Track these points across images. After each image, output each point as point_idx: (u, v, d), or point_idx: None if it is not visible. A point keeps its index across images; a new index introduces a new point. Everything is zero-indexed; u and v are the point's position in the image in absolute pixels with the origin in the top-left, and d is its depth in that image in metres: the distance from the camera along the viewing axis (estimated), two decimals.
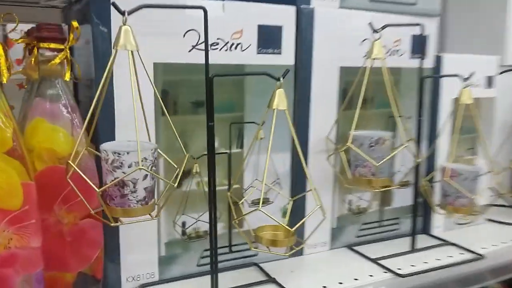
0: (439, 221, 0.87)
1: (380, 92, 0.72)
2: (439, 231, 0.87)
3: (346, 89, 0.74)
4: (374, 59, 0.66)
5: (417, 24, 0.71)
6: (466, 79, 0.75)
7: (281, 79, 0.58)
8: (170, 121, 0.54)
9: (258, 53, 0.67)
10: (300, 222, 0.61)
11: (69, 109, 0.56)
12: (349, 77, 0.73)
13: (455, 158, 0.83)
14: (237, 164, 0.68)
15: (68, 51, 0.56)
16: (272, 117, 0.58)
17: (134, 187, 0.50)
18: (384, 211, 0.83)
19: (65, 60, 0.55)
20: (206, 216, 0.66)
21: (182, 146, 0.55)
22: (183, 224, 0.66)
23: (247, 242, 0.63)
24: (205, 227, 0.67)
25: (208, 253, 0.68)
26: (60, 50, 0.54)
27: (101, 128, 0.58)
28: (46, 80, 0.55)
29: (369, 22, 0.65)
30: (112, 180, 0.49)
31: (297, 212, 0.72)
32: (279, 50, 0.68)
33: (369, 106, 0.77)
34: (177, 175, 0.52)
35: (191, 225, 0.66)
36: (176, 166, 0.54)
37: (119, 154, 0.49)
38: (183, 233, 0.66)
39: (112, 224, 0.50)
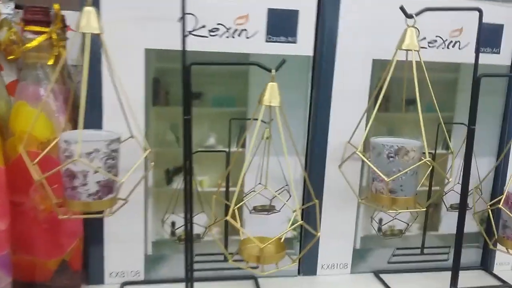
0: (505, 257, 0.69)
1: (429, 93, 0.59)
2: (504, 269, 0.69)
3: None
4: (405, 50, 0.54)
5: (473, 8, 0.56)
6: None
7: (273, 71, 0.50)
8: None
9: (268, 41, 0.59)
10: (284, 232, 0.52)
11: (52, 94, 0.54)
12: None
13: None
14: (237, 164, 0.61)
15: (56, 35, 0.54)
16: (279, 115, 0.50)
17: (84, 179, 0.46)
18: (428, 237, 0.68)
19: (50, 44, 0.54)
20: (198, 218, 0.61)
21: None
22: (173, 224, 0.61)
23: (225, 253, 0.56)
24: (199, 229, 0.62)
25: (201, 257, 0.62)
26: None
27: (88, 116, 0.56)
28: (29, 63, 0.54)
29: (401, 5, 0.53)
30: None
31: (309, 223, 0.62)
32: (294, 38, 0.59)
33: (414, 108, 0.64)
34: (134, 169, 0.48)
35: (181, 226, 0.61)
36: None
37: (69, 143, 0.46)
38: (172, 233, 0.61)
39: (59, 216, 0.47)
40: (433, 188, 0.67)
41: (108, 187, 0.48)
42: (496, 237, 0.61)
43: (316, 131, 0.62)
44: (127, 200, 0.52)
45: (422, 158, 0.54)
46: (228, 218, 0.49)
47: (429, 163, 0.52)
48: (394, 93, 0.63)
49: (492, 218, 0.62)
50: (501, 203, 0.58)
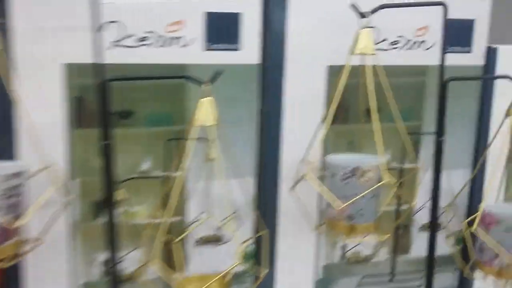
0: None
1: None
2: None
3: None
4: (360, 54, 0.47)
5: (437, 3, 0.49)
6: None
7: (204, 85, 0.43)
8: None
9: (207, 49, 0.51)
10: (228, 268, 0.45)
11: None
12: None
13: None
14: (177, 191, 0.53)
15: None
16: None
17: None
18: (399, 261, 0.62)
19: None
20: (133, 255, 0.53)
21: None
22: (107, 262, 0.53)
23: None
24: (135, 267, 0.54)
25: None
26: None
27: None
28: None
29: (352, 3, 0.46)
30: None
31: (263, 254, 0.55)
32: (236, 45, 0.52)
33: (381, 117, 0.57)
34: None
35: (113, 265, 0.53)
36: None
37: None
38: (107, 273, 0.53)
39: None
40: (402, 207, 0.60)
41: (3, 231, 0.40)
42: (472, 261, 0.54)
43: (267, 149, 0.55)
44: (41, 241, 0.44)
45: (388, 175, 0.47)
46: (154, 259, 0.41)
47: (390, 183, 0.45)
48: (355, 102, 0.56)
49: (468, 239, 0.55)
50: (474, 226, 0.51)
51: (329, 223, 0.49)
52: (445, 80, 0.51)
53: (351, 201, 0.44)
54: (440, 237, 0.60)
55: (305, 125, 0.55)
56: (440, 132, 0.51)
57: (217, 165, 0.51)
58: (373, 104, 0.45)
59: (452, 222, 0.62)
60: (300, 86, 0.54)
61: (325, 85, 0.55)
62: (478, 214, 0.53)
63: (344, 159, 0.50)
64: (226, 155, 0.52)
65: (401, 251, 0.62)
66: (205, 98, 0.44)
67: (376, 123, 0.45)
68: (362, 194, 0.44)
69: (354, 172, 0.46)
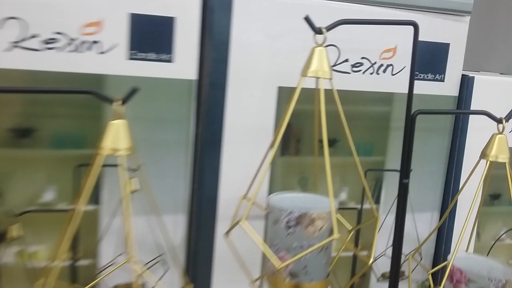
0: None
1: (355, 130, 0.45)
2: None
3: (291, 123, 0.47)
4: (312, 76, 0.38)
5: (407, 23, 0.41)
6: (500, 121, 0.45)
7: (116, 103, 0.34)
8: None
9: (131, 58, 0.42)
10: None
11: None
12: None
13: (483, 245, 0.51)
14: (89, 228, 0.44)
15: None
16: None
17: None
18: None
19: None
20: None
21: None
22: None
23: None
24: None
25: None
26: None
27: None
28: None
29: (306, 16, 0.37)
30: None
31: None
32: (169, 55, 0.43)
33: (334, 150, 0.49)
34: None
35: None
36: None
37: None
38: None
39: None
40: (360, 254, 0.52)
41: None
42: None
43: (203, 182, 0.46)
44: None
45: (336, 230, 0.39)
46: None
47: (337, 239, 0.36)
48: (309, 131, 0.48)
49: None
50: (442, 285, 0.43)
51: (269, 279, 0.40)
52: (412, 114, 0.43)
53: (293, 258, 0.36)
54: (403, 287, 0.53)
55: (249, 155, 0.46)
56: (405, 173, 0.43)
57: (144, 198, 0.42)
58: (324, 135, 0.36)
59: (417, 271, 0.54)
60: (245, 108, 0.46)
61: (274, 109, 0.46)
62: (447, 272, 0.45)
63: (290, 200, 0.41)
64: (154, 186, 0.44)
65: None
66: (115, 120, 0.35)
67: (326, 158, 0.37)
68: (309, 250, 0.36)
69: (300, 220, 0.37)
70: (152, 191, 0.43)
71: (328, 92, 0.38)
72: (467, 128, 0.52)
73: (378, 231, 0.52)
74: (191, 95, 0.44)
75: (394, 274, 0.46)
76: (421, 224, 0.54)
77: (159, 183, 0.44)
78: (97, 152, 0.35)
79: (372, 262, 0.36)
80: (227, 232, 0.41)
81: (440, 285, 0.44)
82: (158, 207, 0.44)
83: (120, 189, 0.40)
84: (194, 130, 0.45)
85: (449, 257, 0.47)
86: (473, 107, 0.52)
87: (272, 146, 0.40)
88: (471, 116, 0.52)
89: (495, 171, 0.46)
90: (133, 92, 0.35)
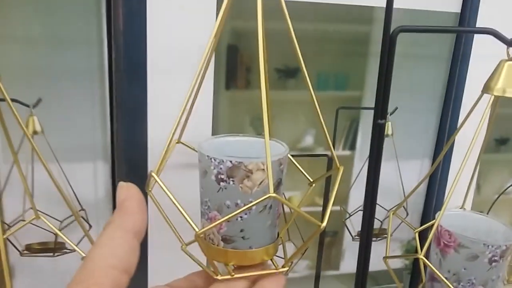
0: None
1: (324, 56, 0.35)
2: None
3: (237, 47, 0.37)
4: None
5: None
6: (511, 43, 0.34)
7: None
8: None
9: None
10: None
11: None
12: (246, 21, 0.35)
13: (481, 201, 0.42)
14: None
15: None
16: None
17: None
18: (325, 278, 0.45)
19: None
20: None
21: None
22: None
23: None
24: None
25: None
26: None
27: None
28: None
29: None
30: None
31: None
32: None
33: (295, 82, 0.39)
34: None
35: None
36: None
37: None
38: None
39: None
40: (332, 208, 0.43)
41: None
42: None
43: (124, 121, 0.37)
44: None
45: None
46: None
47: (275, 198, 0.27)
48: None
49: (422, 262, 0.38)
50: (422, 252, 0.34)
51: (202, 244, 0.31)
52: (392, 32, 0.32)
53: (217, 222, 0.27)
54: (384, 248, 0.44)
55: (183, 85, 0.36)
56: (380, 112, 0.33)
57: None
58: (262, 63, 0.26)
59: (401, 229, 0.46)
60: (175, 23, 0.35)
61: (213, 24, 0.36)
62: (431, 233, 0.36)
63: (229, 146, 0.32)
64: (62, 126, 0.35)
65: (329, 266, 0.45)
66: None
67: (265, 92, 0.27)
68: (246, 206, 0.27)
69: (233, 172, 0.28)
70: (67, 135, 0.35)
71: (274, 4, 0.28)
72: (469, 55, 0.41)
73: (353, 183, 0.43)
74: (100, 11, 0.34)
75: (366, 232, 0.38)
76: (409, 175, 0.44)
77: (67, 123, 0.35)
78: None
79: (325, 226, 0.26)
80: (147, 187, 0.32)
81: (422, 249, 0.35)
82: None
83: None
84: (107, 56, 0.35)
85: (437, 214, 0.38)
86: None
87: (200, 74, 0.31)
88: (475, 40, 0.41)
89: (503, 110, 0.36)
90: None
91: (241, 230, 0.29)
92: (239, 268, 0.29)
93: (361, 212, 0.45)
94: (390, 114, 0.41)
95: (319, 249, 0.44)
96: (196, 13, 0.36)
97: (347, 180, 0.43)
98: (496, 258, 0.35)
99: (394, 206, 0.43)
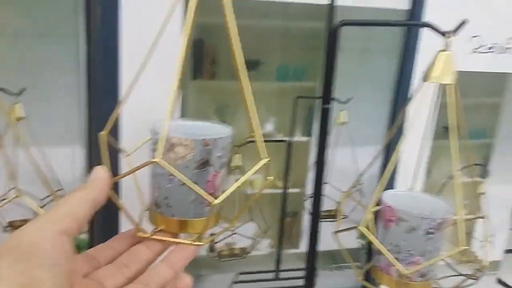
0: None
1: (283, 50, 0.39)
2: None
3: (203, 40, 0.41)
4: None
5: None
6: (449, 34, 0.38)
7: None
8: None
9: None
10: None
11: None
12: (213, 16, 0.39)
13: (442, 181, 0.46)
14: None
15: None
16: None
17: None
18: (287, 256, 0.49)
19: None
20: None
21: None
22: None
23: None
24: None
25: None
26: None
27: None
28: None
29: None
30: None
31: None
32: None
33: (255, 73, 0.43)
34: None
35: None
36: None
37: None
38: None
39: None
40: (291, 191, 0.47)
41: None
42: (367, 266, 0.42)
43: (101, 107, 0.41)
44: None
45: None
46: None
47: (159, 163, 0.30)
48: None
49: (369, 234, 0.42)
50: (362, 223, 0.38)
51: (150, 213, 0.35)
52: (336, 25, 0.36)
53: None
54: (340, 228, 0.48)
55: (157, 74, 0.40)
56: (326, 97, 0.37)
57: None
58: (239, 56, 0.30)
59: (360, 210, 0.49)
60: (146, 15, 0.39)
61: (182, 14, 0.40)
62: (369, 209, 0.40)
63: (181, 127, 0.35)
64: (42, 113, 0.39)
65: (290, 245, 0.49)
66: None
67: (245, 83, 0.30)
68: (130, 171, 0.29)
69: (168, 144, 0.31)
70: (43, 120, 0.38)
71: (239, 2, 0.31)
72: (415, 48, 0.45)
73: (311, 166, 0.47)
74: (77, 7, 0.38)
75: (314, 211, 0.42)
76: (365, 160, 0.48)
77: (49, 110, 0.39)
78: None
79: (217, 204, 0.29)
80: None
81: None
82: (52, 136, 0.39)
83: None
84: (85, 47, 0.39)
85: (383, 193, 0.42)
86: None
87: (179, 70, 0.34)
88: (424, 34, 0.45)
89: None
90: None
91: (165, 198, 0.32)
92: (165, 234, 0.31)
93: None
94: (345, 103, 0.45)
95: (280, 229, 0.48)
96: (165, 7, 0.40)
97: (305, 164, 0.47)
98: (432, 230, 0.39)
99: (347, 190, 0.46)
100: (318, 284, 0.51)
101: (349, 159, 0.48)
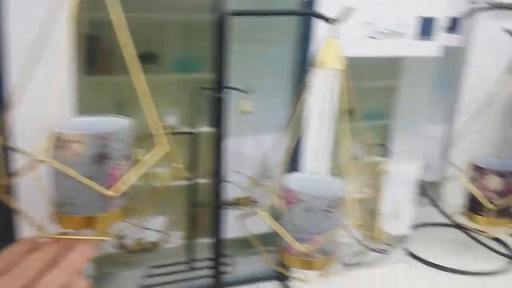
0: None
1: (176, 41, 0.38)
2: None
3: (97, 36, 0.40)
4: None
5: None
6: (333, 21, 0.40)
7: None
8: None
9: None
10: None
11: None
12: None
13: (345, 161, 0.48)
14: None
15: None
16: None
17: None
18: (200, 246, 0.50)
19: None
20: None
21: None
22: None
23: None
24: None
25: None
26: None
27: None
28: None
29: None
30: None
31: None
32: None
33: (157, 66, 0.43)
34: None
35: None
36: None
37: None
38: None
39: None
40: (201, 181, 0.47)
41: None
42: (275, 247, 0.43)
43: None
44: None
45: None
46: None
47: (45, 161, 0.30)
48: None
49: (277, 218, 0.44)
50: (259, 209, 0.40)
51: (52, 213, 0.34)
52: (221, 15, 0.37)
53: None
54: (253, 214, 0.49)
55: (47, 72, 0.39)
56: (219, 85, 0.38)
57: None
58: (129, 50, 0.30)
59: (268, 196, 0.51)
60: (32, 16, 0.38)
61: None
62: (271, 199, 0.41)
63: (83, 123, 0.35)
64: None
65: (204, 234, 0.50)
66: None
67: (137, 75, 0.30)
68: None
69: (58, 142, 0.31)
70: None
71: None
72: (310, 36, 0.47)
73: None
74: None
75: (216, 200, 0.42)
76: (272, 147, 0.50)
77: None
78: None
79: (113, 195, 0.30)
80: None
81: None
82: None
83: None
84: None
85: (286, 178, 0.43)
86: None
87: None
88: (318, 23, 0.47)
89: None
90: None
91: (67, 196, 0.32)
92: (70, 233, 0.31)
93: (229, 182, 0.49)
94: (245, 93, 0.46)
95: (190, 220, 0.49)
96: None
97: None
98: (328, 209, 0.41)
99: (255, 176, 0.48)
100: (236, 270, 0.52)
101: (257, 147, 0.49)
